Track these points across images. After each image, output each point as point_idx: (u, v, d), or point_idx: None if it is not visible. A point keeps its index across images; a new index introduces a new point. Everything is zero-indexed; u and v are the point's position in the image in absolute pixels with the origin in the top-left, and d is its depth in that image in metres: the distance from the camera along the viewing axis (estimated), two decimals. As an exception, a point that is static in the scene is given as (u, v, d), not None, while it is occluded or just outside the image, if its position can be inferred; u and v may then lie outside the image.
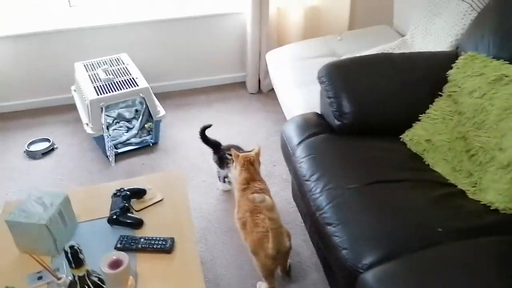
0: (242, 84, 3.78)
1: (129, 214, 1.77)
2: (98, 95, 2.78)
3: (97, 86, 2.88)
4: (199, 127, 2.58)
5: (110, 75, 2.98)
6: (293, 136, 2.08)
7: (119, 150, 2.97)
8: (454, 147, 1.82)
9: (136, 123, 3.14)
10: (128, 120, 3.21)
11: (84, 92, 2.86)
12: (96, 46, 3.35)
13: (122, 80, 2.94)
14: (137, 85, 2.88)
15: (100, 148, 3.00)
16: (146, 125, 3.14)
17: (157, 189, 1.90)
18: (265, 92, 3.65)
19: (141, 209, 1.84)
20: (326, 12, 3.46)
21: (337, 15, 3.46)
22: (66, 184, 2.74)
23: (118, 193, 1.83)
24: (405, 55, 2.13)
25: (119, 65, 3.14)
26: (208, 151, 2.64)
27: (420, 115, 1.98)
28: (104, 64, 3.14)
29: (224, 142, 2.61)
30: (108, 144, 2.84)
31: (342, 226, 1.59)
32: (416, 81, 2.04)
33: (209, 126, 2.60)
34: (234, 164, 2.16)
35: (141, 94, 2.86)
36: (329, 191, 1.72)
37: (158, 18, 3.39)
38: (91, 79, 2.95)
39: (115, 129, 3.10)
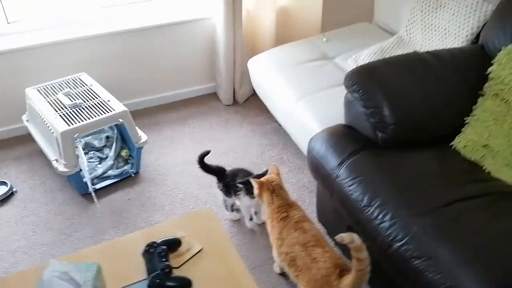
0: (213, 96, 3.47)
1: (172, 275, 1.42)
2: (69, 125, 2.33)
3: (64, 115, 2.42)
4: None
5: (75, 99, 2.53)
6: (330, 155, 1.85)
7: (97, 186, 2.54)
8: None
9: (110, 152, 2.71)
10: (99, 149, 2.77)
11: (48, 123, 2.39)
12: (47, 67, 2.85)
13: (92, 105, 2.51)
14: (113, 109, 2.47)
15: (72, 187, 2.54)
16: (122, 153, 2.72)
17: (190, 235, 1.56)
18: (241, 103, 3.37)
19: (181, 265, 1.50)
20: (298, 12, 3.25)
21: (310, 14, 3.27)
22: (43, 237, 2.27)
23: (152, 249, 1.47)
24: (433, 53, 1.98)
25: (81, 86, 2.69)
26: (202, 175, 2.32)
27: (465, 118, 1.83)
28: (62, 88, 2.68)
29: (215, 163, 2.33)
30: (90, 181, 2.39)
31: (434, 261, 1.38)
32: (454, 81, 1.90)
33: (207, 152, 2.29)
34: (258, 193, 1.87)
35: (120, 119, 2.45)
36: (402, 219, 1.52)
37: (116, 30, 2.97)
38: (53, 107, 2.48)
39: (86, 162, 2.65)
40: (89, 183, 2.41)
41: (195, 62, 3.35)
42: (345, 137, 1.90)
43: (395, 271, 1.53)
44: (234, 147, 2.89)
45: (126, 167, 2.67)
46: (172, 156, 2.84)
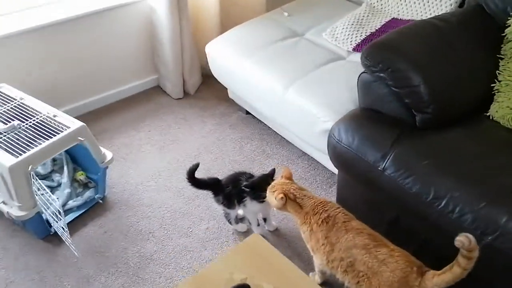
0: (157, 90, 3.03)
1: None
2: (16, 156, 1.79)
3: (4, 143, 1.86)
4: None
5: (7, 121, 1.98)
6: (369, 147, 1.65)
7: (60, 223, 2.03)
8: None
9: (62, 178, 2.20)
10: (46, 177, 2.23)
11: (-15, 157, 1.82)
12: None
13: (35, 125, 1.98)
14: (66, 126, 1.96)
15: (26, 231, 2.01)
16: (78, 177, 2.23)
17: (253, 276, 1.26)
18: (192, 94, 2.98)
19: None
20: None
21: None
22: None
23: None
24: (440, 19, 1.84)
25: (8, 103, 2.11)
26: (182, 185, 2.01)
27: (493, 85, 1.73)
28: (-16, 107, 2.07)
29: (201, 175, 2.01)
30: (60, 221, 1.89)
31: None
32: (472, 46, 1.79)
33: (196, 166, 1.96)
34: (281, 205, 1.62)
35: (80, 138, 1.96)
36: (484, 209, 1.38)
37: (32, 26, 2.37)
38: (-17, 135, 1.90)
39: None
40: (56, 226, 1.90)
41: (132, 54, 2.87)
42: (378, 124, 1.71)
43: (489, 266, 1.38)
44: (206, 147, 2.53)
45: (88, 193, 2.18)
46: (138, 169, 2.40)
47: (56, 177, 2.23)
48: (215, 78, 2.87)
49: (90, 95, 2.80)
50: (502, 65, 1.77)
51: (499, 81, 1.75)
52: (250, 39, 2.48)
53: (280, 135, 2.53)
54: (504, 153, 1.52)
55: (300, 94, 2.09)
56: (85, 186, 2.23)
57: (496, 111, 1.70)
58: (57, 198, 2.00)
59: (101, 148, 2.10)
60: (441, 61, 1.70)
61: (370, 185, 1.68)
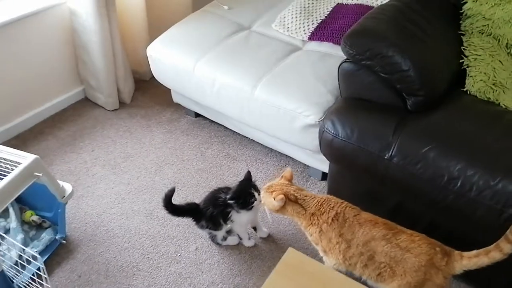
0: (85, 103, 2.71)
1: None
2: (-36, 210, 1.45)
3: None
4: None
5: None
6: (371, 138, 1.63)
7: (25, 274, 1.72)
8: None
9: (10, 223, 1.86)
10: (-13, 225, 1.87)
11: None
12: None
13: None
14: (17, 163, 1.64)
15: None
16: (27, 218, 1.90)
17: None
18: (129, 103, 2.71)
19: None
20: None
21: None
22: None
23: None
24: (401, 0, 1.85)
25: None
26: (153, 206, 1.82)
27: (461, 61, 1.81)
28: None
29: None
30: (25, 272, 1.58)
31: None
32: (435, 24, 1.82)
33: (172, 192, 1.79)
34: (279, 207, 1.55)
35: (37, 174, 1.65)
36: (501, 182, 1.42)
37: None
38: None
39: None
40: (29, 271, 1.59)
41: (53, 65, 2.52)
42: (373, 114, 1.69)
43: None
44: (163, 159, 2.32)
45: (45, 235, 1.87)
46: (94, 197, 2.12)
47: (1, 223, 1.87)
48: (150, 83, 2.66)
49: (10, 118, 2.40)
50: (466, 41, 1.85)
51: (466, 56, 1.82)
52: (195, 37, 2.30)
53: (240, 135, 2.41)
54: (497, 126, 1.59)
55: (270, 91, 1.99)
56: (39, 227, 1.90)
57: (472, 86, 1.77)
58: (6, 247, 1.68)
59: (59, 181, 1.79)
60: (416, 42, 1.71)
61: (374, 176, 1.65)
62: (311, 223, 1.54)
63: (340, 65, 1.76)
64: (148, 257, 1.85)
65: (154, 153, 2.35)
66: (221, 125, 2.47)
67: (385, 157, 1.58)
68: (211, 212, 1.76)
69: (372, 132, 1.62)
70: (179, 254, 1.86)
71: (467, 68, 1.81)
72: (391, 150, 1.57)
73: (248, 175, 1.79)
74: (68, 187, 1.82)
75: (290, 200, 1.55)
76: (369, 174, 1.67)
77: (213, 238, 1.87)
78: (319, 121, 1.86)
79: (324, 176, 2.16)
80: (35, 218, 1.88)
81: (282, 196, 1.52)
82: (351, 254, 1.48)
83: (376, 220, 1.47)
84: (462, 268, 1.38)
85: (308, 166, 2.21)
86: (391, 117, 1.64)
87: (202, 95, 2.23)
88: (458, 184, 1.46)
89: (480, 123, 1.61)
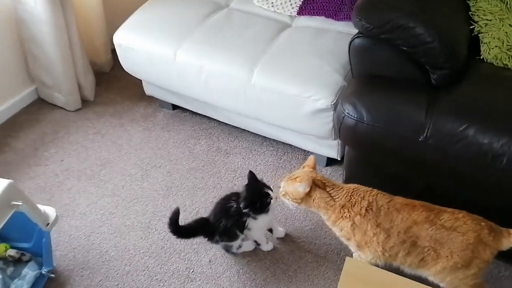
0: (40, 105, 2.36)
1: None
2: None
3: None
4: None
5: None
6: (402, 119, 1.47)
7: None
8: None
9: (-18, 263, 1.54)
10: (-46, 270, 1.54)
11: None
12: None
13: None
14: (-12, 193, 1.33)
15: None
16: (5, 253, 1.60)
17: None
18: (93, 100, 2.39)
19: None
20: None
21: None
22: None
23: None
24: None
25: None
26: (148, 218, 1.73)
27: (471, 27, 1.70)
28: None
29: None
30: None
31: None
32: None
33: (177, 213, 1.57)
34: (303, 198, 1.40)
35: (16, 203, 1.36)
36: None
37: None
38: None
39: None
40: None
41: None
42: (398, 93, 1.54)
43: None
44: (148, 161, 2.06)
45: (28, 270, 1.58)
46: (75, 215, 1.83)
47: (-30, 264, 1.54)
48: (112, 75, 2.36)
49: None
50: (472, 6, 1.74)
51: (476, 22, 1.71)
52: (169, 20, 2.03)
53: (229, 125, 2.18)
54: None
55: (270, 76, 1.78)
56: (17, 262, 1.60)
57: (488, 53, 1.67)
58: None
59: (40, 207, 1.50)
60: (433, 10, 1.57)
61: (405, 160, 1.52)
62: (342, 217, 1.40)
63: (352, 41, 1.59)
64: (157, 279, 1.62)
65: (135, 155, 2.08)
66: (204, 116, 2.23)
67: (420, 139, 1.44)
68: (224, 226, 1.56)
69: (402, 113, 1.47)
70: (191, 271, 1.64)
71: (479, 35, 1.69)
72: (426, 131, 1.43)
73: (252, 175, 1.60)
74: (50, 212, 1.54)
75: (317, 186, 1.40)
76: (399, 158, 1.54)
77: (227, 249, 1.67)
78: (331, 105, 1.68)
79: (329, 162, 2.01)
80: (12, 252, 1.57)
81: (308, 178, 1.37)
82: (391, 244, 1.36)
83: (413, 203, 1.37)
84: (510, 245, 1.32)
85: (310, 152, 2.04)
86: (419, 95, 1.50)
87: (186, 85, 1.97)
88: (504, 161, 1.36)
89: (510, 92, 1.51)
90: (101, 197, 1.89)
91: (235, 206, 1.55)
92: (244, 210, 1.54)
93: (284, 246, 1.73)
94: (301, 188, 1.37)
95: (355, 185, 1.44)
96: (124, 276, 1.62)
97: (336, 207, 1.40)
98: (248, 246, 1.70)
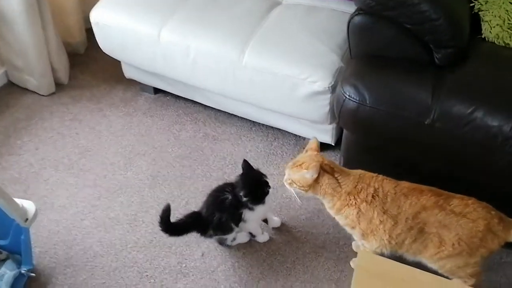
0: (10, 89, 2.19)
1: None
2: None
3: None
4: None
5: None
6: (409, 102, 1.40)
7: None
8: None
9: (-47, 264, 1.40)
10: None
11: None
12: None
13: None
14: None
15: None
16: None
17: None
18: (68, 83, 2.23)
19: None
20: None
21: None
22: None
23: None
24: None
25: None
26: (133, 211, 1.63)
27: (471, 4, 1.63)
28: None
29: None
30: None
31: None
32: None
33: (167, 211, 1.45)
34: (312, 184, 1.31)
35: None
36: None
37: None
38: None
39: None
40: None
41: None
42: (401, 73, 1.46)
43: None
44: (131, 149, 1.93)
45: (6, 271, 1.44)
46: (55, 208, 1.70)
47: None
48: (87, 56, 2.23)
49: None
50: (472, -17, 1.67)
51: (476, 0, 1.64)
52: (150, -2, 1.87)
53: (215, 110, 2.07)
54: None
55: (263, 56, 1.67)
56: (-7, 261, 1.46)
57: (490, 32, 1.60)
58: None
59: (17, 200, 1.36)
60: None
61: (410, 144, 1.45)
62: (347, 204, 1.33)
63: (351, 18, 1.50)
64: (147, 275, 1.51)
65: (116, 143, 1.94)
66: (189, 100, 2.10)
67: (426, 122, 1.37)
68: (218, 219, 1.46)
69: (406, 95, 1.40)
70: (184, 265, 1.54)
71: (479, 13, 1.63)
72: (432, 114, 1.36)
73: (247, 164, 1.51)
74: (29, 206, 1.40)
75: (326, 172, 1.31)
76: (403, 142, 1.47)
77: (221, 242, 1.57)
78: (329, 87, 1.59)
79: (322, 147, 1.92)
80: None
81: (316, 164, 1.28)
82: (399, 231, 1.31)
83: (420, 188, 1.31)
84: None
85: (302, 137, 1.96)
86: (423, 76, 1.43)
87: (172, 67, 1.84)
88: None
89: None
90: (81, 188, 1.76)
91: (230, 197, 1.45)
92: (244, 199, 1.44)
93: (280, 236, 1.64)
94: (308, 175, 1.29)
95: (361, 171, 1.37)
96: (111, 273, 1.51)
97: (342, 194, 1.33)
98: (242, 237, 1.61)
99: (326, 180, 1.32)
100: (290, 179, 1.33)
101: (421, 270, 1.11)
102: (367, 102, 1.42)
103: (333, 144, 1.86)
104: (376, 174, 1.36)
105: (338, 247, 1.60)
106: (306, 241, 1.62)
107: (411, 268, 1.09)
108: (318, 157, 1.35)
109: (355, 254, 1.58)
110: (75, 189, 1.76)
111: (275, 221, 1.66)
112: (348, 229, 1.41)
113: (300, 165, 1.32)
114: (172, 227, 1.44)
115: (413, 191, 1.30)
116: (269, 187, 1.48)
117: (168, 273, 1.52)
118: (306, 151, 1.41)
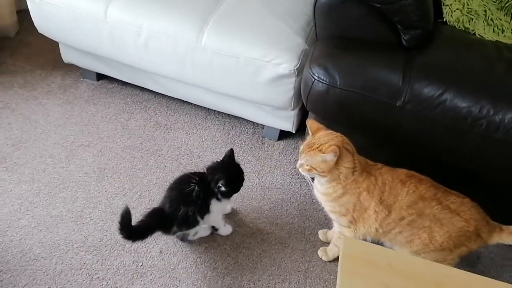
0: None
1: None
2: None
3: None
4: None
5: None
6: (379, 85, 1.36)
7: None
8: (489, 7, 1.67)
9: None
10: None
11: None
12: None
13: None
14: None
15: None
16: None
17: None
18: (-5, 68, 1.99)
19: None
20: None
21: None
22: None
23: None
24: None
25: None
26: (82, 204, 1.40)
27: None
28: None
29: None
30: None
31: None
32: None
33: (127, 214, 1.27)
34: (330, 151, 1.19)
35: None
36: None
37: None
38: None
39: None
40: None
41: None
42: (372, 55, 1.41)
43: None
44: (73, 140, 1.74)
45: None
46: (-14, 206, 1.48)
47: None
48: (18, 40, 2.05)
49: None
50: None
51: (438, -14, 1.65)
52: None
53: (167, 97, 1.93)
54: (498, 58, 1.45)
55: (224, 37, 1.57)
56: None
57: (451, 15, 1.61)
58: None
59: None
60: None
61: (379, 127, 1.41)
62: (350, 192, 1.26)
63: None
64: (98, 278, 1.34)
65: (56, 133, 1.74)
66: (136, 87, 1.95)
67: (397, 104, 1.34)
68: (185, 213, 1.33)
69: (378, 76, 1.36)
70: (140, 264, 1.39)
71: (440, -4, 1.63)
72: (403, 96, 1.33)
73: (231, 154, 1.40)
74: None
75: (348, 152, 1.21)
76: (373, 125, 1.42)
77: (183, 238, 1.44)
78: (294, 70, 1.51)
79: (282, 135, 1.85)
80: None
81: (334, 147, 1.17)
82: (390, 221, 1.26)
83: (420, 176, 1.27)
84: (499, 242, 1.28)
85: (260, 125, 1.87)
86: (394, 57, 1.40)
87: (120, 49, 1.68)
88: (484, 125, 1.30)
89: (479, 56, 1.45)
90: (16, 184, 1.55)
91: (197, 188, 1.33)
92: (221, 189, 1.33)
93: (244, 228, 1.54)
94: (329, 157, 1.17)
95: (363, 158, 1.29)
96: (56, 278, 1.33)
97: (350, 181, 1.24)
98: (204, 231, 1.49)
99: (347, 162, 1.21)
100: (309, 165, 1.21)
101: (407, 255, 1.05)
102: (338, 83, 1.36)
103: (293, 132, 1.79)
104: (375, 163, 1.30)
105: (304, 237, 1.53)
106: (271, 232, 1.54)
107: (397, 252, 1.04)
108: (336, 137, 1.22)
109: (322, 243, 1.52)
110: (9, 185, 1.54)
111: (227, 208, 1.56)
112: (334, 216, 1.34)
113: (317, 148, 1.20)
114: (134, 232, 1.28)
115: (411, 178, 1.25)
116: (242, 185, 1.39)
117: (122, 274, 1.36)
118: (313, 134, 1.27)
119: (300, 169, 1.25)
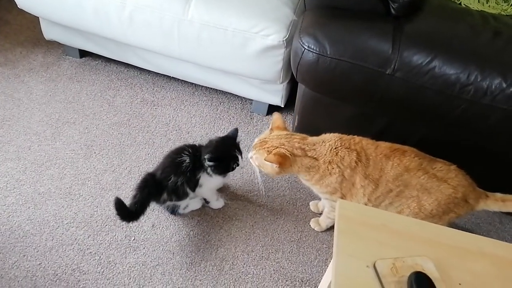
0: None
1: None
2: None
3: None
4: None
5: None
6: (369, 54, 1.35)
7: None
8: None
9: None
10: None
11: None
12: None
13: None
14: None
15: None
16: None
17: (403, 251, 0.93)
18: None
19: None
20: None
21: None
22: None
23: None
24: None
25: None
26: (70, 181, 1.40)
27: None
28: None
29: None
30: None
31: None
32: None
33: (119, 202, 1.25)
34: (274, 159, 1.23)
35: None
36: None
37: None
38: None
39: None
40: None
41: None
42: (361, 23, 1.40)
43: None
44: (58, 117, 1.71)
45: None
46: (-29, 185, 1.44)
47: None
48: None
49: None
50: None
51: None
52: None
53: (153, 73, 1.91)
54: (484, 26, 1.46)
55: (211, 9, 1.54)
56: None
57: (437, -14, 1.62)
58: None
59: None
60: None
61: (369, 96, 1.41)
62: (329, 173, 1.26)
63: (307, -34, 1.41)
64: (91, 253, 1.33)
65: (40, 111, 1.71)
66: (121, 63, 1.91)
67: (387, 72, 1.34)
68: (174, 183, 1.32)
69: (368, 45, 1.35)
70: (133, 239, 1.38)
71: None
72: (393, 64, 1.33)
73: (235, 133, 1.40)
74: None
75: (296, 156, 1.24)
76: (363, 94, 1.42)
77: (173, 210, 1.43)
78: (283, 41, 1.50)
79: (270, 110, 1.84)
80: None
81: (277, 157, 1.20)
82: (378, 194, 1.27)
83: (403, 148, 1.27)
84: (485, 208, 1.29)
85: (249, 100, 1.86)
86: (383, 26, 1.39)
87: (104, 23, 1.64)
88: (472, 91, 1.31)
89: (466, 24, 1.46)
90: (2, 162, 1.51)
91: (188, 160, 1.32)
92: (208, 162, 1.31)
93: (236, 201, 1.54)
94: (271, 168, 1.22)
95: (335, 135, 1.30)
96: (47, 253, 1.31)
97: (320, 166, 1.26)
98: (195, 204, 1.48)
99: (298, 164, 1.25)
100: (258, 163, 1.25)
101: (400, 215, 1.07)
102: (328, 52, 1.35)
103: (282, 106, 1.79)
104: (351, 136, 1.30)
105: (296, 208, 1.54)
106: (263, 205, 1.54)
107: (390, 213, 1.05)
108: (287, 140, 1.25)
109: (313, 214, 1.53)
110: (-7, 163, 1.51)
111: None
112: (325, 197, 1.35)
113: (266, 147, 1.23)
114: (132, 212, 1.25)
115: (395, 152, 1.26)
116: (238, 164, 1.37)
117: (115, 248, 1.35)
118: (271, 129, 1.32)
119: (251, 160, 1.27)
